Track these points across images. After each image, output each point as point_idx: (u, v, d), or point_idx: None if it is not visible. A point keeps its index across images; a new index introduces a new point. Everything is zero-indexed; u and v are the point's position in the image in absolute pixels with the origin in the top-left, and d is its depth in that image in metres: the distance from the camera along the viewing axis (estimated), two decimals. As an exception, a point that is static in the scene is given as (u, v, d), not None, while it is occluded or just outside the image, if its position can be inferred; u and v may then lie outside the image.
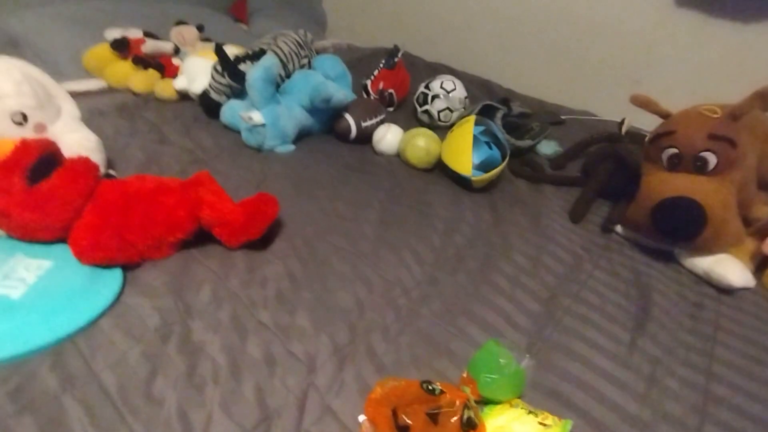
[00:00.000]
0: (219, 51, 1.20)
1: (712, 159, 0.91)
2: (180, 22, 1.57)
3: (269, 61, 1.17)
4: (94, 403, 0.56)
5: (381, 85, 1.51)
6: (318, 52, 1.53)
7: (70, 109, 0.96)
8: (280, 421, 0.57)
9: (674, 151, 0.95)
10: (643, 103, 1.03)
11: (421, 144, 1.19)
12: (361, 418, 0.57)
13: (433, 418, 0.54)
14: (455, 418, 0.54)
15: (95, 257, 0.73)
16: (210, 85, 1.25)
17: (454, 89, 1.44)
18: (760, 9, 1.40)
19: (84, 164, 0.80)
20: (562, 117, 1.63)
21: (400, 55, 1.55)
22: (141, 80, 1.34)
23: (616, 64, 1.71)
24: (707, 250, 0.95)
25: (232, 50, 1.29)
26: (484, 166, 1.11)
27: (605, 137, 1.35)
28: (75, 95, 1.00)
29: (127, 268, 0.76)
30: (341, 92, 1.22)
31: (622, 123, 1.42)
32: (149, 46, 1.40)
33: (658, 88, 1.35)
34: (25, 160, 0.74)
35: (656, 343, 0.77)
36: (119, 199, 0.78)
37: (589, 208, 1.13)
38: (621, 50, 1.68)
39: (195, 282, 0.75)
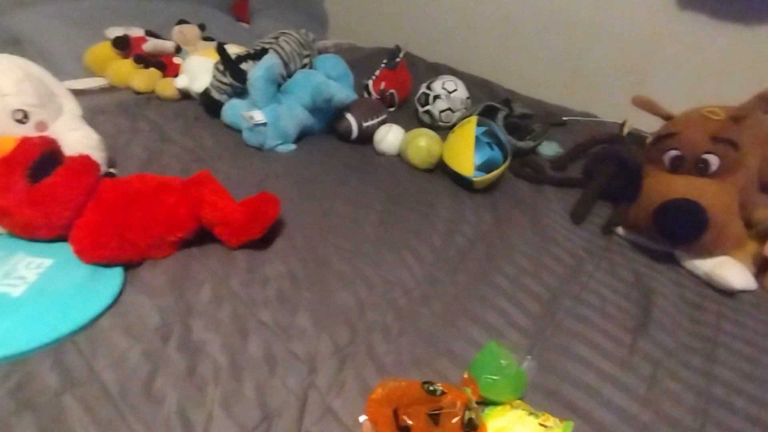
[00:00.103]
0: (221, 50, 1.20)
1: (714, 161, 0.91)
2: (181, 21, 1.57)
3: (271, 60, 1.17)
4: (95, 402, 0.56)
5: (382, 85, 1.51)
6: (319, 52, 1.53)
7: (71, 108, 0.96)
8: (281, 420, 0.57)
9: (676, 152, 0.95)
10: (645, 104, 1.03)
11: (423, 144, 1.19)
12: (362, 418, 0.57)
13: (434, 418, 0.54)
14: (456, 419, 0.54)
15: (96, 256, 0.73)
16: (211, 84, 1.25)
17: (456, 90, 1.44)
18: (762, 11, 1.40)
19: (85, 163, 0.80)
20: (564, 118, 1.63)
21: (401, 55, 1.55)
22: (142, 79, 1.34)
23: (618, 65, 1.71)
24: (708, 252, 0.94)
25: (233, 49, 1.29)
26: (485, 167, 1.11)
27: (607, 139, 1.35)
28: (76, 93, 1.01)
29: (127, 266, 0.76)
30: (343, 92, 1.22)
31: (623, 124, 1.41)
32: (150, 44, 1.40)
33: (660, 90, 1.35)
34: (27, 158, 0.74)
35: (657, 345, 0.77)
36: (120, 197, 0.78)
37: (590, 209, 1.13)
38: (623, 52, 1.68)
39: (196, 281, 0.75)
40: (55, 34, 1.45)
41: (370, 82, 1.52)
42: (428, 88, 1.45)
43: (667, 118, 1.02)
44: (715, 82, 1.52)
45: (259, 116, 1.13)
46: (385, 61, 1.55)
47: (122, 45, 1.37)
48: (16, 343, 0.60)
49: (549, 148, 1.38)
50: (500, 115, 1.33)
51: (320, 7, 2.50)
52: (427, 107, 1.44)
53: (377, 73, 1.53)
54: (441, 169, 1.21)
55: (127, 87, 1.36)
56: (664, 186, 0.95)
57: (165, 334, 0.65)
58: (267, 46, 1.31)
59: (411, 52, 1.98)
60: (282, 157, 1.16)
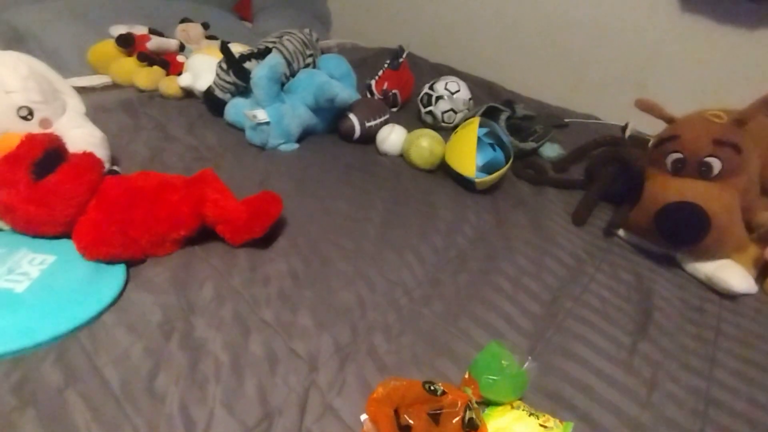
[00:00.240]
0: (224, 49, 1.21)
1: (716, 164, 0.91)
2: (185, 20, 1.58)
3: (274, 59, 1.17)
4: (97, 398, 0.56)
5: (385, 86, 1.51)
6: (323, 52, 1.54)
7: (75, 105, 0.96)
8: (282, 419, 0.57)
9: (678, 155, 0.95)
10: (647, 107, 1.03)
11: (425, 145, 1.19)
12: (363, 417, 0.57)
13: (435, 418, 0.55)
14: (457, 419, 0.55)
15: (99, 253, 0.73)
16: (215, 83, 1.25)
17: (458, 91, 1.44)
18: (765, 14, 1.40)
19: (89, 160, 0.80)
20: (566, 120, 1.63)
21: (404, 55, 1.55)
22: (145, 77, 1.35)
23: (621, 68, 1.71)
24: (710, 255, 0.95)
25: (237, 48, 1.29)
26: (487, 168, 1.11)
27: (609, 141, 1.36)
28: (79, 91, 1.01)
29: (130, 264, 0.76)
30: (346, 92, 1.22)
31: (625, 127, 1.41)
32: (154, 42, 1.40)
33: (662, 93, 1.36)
34: (31, 154, 0.74)
35: (657, 347, 0.77)
36: (123, 195, 0.78)
37: (592, 211, 1.13)
38: (625, 54, 1.68)
39: (198, 279, 0.75)
40: (59, 31, 1.45)
41: (373, 83, 1.53)
42: (431, 88, 1.45)
43: (670, 120, 1.02)
44: (718, 86, 1.52)
45: (262, 115, 1.13)
46: (388, 61, 1.55)
47: (126, 43, 1.37)
48: (19, 340, 0.60)
49: (551, 150, 1.39)
50: (503, 117, 1.33)
51: (323, 6, 2.50)
52: (430, 108, 1.44)
53: (380, 73, 1.53)
54: (443, 169, 1.21)
55: (131, 85, 1.37)
56: (666, 189, 0.95)
57: (167, 331, 0.66)
58: (270, 45, 1.31)
59: (414, 53, 1.98)
60: (285, 156, 1.17)
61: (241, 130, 1.22)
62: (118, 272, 0.73)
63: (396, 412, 0.55)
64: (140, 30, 1.46)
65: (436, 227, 0.98)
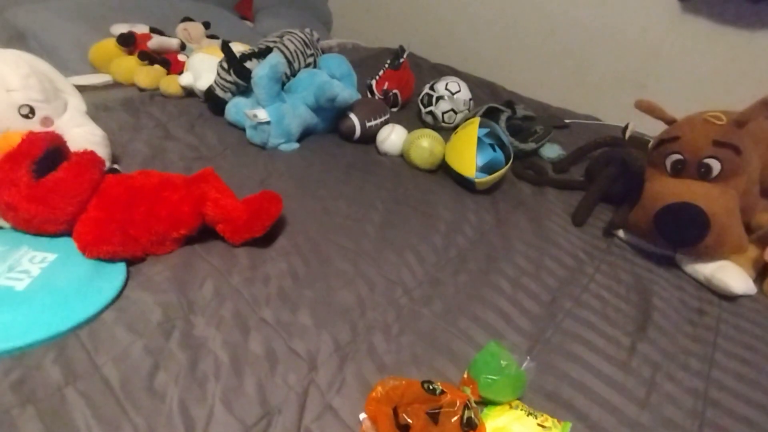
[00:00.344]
0: (225, 48, 1.21)
1: (716, 165, 0.91)
2: (186, 19, 1.58)
3: (275, 59, 1.17)
4: (97, 396, 0.56)
5: (386, 86, 1.51)
6: (323, 52, 1.54)
7: (76, 104, 0.96)
8: (281, 417, 0.57)
9: (678, 156, 0.95)
10: (647, 108, 1.03)
11: (425, 145, 1.19)
12: (362, 416, 0.57)
13: (434, 417, 0.55)
14: (455, 418, 0.55)
15: (99, 251, 0.73)
16: (215, 82, 1.26)
17: (459, 91, 1.44)
18: (765, 16, 1.40)
19: (90, 158, 0.80)
20: (566, 121, 1.64)
21: (405, 55, 1.55)
22: (146, 76, 1.35)
23: (621, 69, 1.71)
24: (709, 256, 0.95)
25: (238, 47, 1.29)
26: (487, 168, 1.11)
27: (609, 142, 1.36)
28: (80, 89, 1.01)
29: (130, 262, 0.76)
30: (346, 91, 1.22)
31: (625, 128, 1.42)
32: (155, 41, 1.40)
33: (662, 94, 1.35)
34: (32, 153, 0.75)
35: (656, 348, 0.77)
36: (124, 193, 0.78)
37: (592, 211, 1.13)
38: (626, 55, 1.68)
39: (198, 278, 0.76)
40: (60, 30, 1.45)
41: (374, 82, 1.53)
42: (431, 88, 1.45)
43: (670, 122, 1.02)
44: (718, 87, 1.52)
45: (262, 115, 1.14)
46: (388, 61, 1.55)
47: (127, 42, 1.37)
48: (19, 337, 0.60)
49: (551, 151, 1.39)
50: (503, 117, 1.33)
51: (324, 6, 2.50)
52: (430, 108, 1.45)
53: (381, 73, 1.53)
54: (443, 169, 1.22)
55: (132, 84, 1.37)
56: (666, 189, 0.95)
57: (167, 329, 0.66)
58: (271, 44, 1.32)
59: (415, 53, 1.98)
60: (285, 155, 1.17)
61: (242, 129, 1.22)
62: (118, 271, 0.73)
63: (395, 411, 0.55)
64: (141, 29, 1.46)
65: (436, 227, 0.98)
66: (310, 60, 1.38)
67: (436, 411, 0.55)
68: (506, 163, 1.14)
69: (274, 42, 1.33)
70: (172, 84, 1.34)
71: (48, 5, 1.50)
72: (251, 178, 1.04)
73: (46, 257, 0.72)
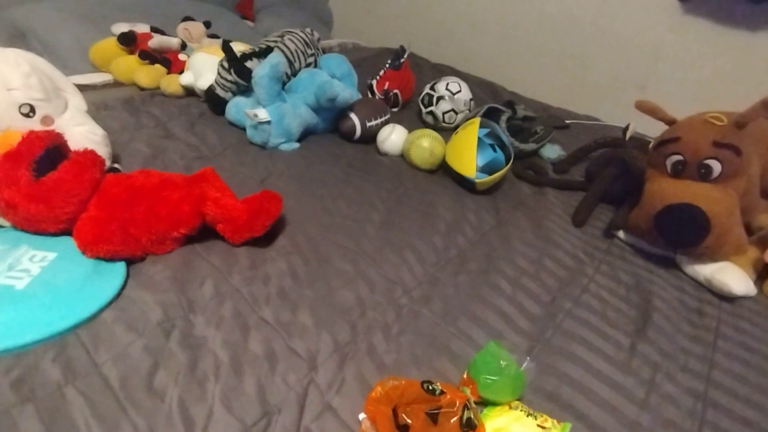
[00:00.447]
0: (226, 47, 1.21)
1: (716, 166, 0.91)
2: (187, 18, 1.58)
3: (276, 58, 1.17)
4: (96, 395, 0.56)
5: (386, 86, 1.51)
6: (324, 51, 1.54)
7: (77, 103, 0.96)
8: (281, 417, 0.57)
9: (679, 157, 0.95)
10: (648, 109, 1.03)
11: (425, 145, 1.19)
12: (362, 416, 0.57)
13: (433, 418, 0.55)
14: (455, 419, 0.55)
15: (99, 250, 0.73)
16: (216, 82, 1.26)
17: (460, 91, 1.44)
18: (766, 16, 1.40)
19: (90, 157, 0.80)
20: (567, 121, 1.63)
21: (405, 55, 1.55)
22: (147, 75, 1.35)
23: (622, 69, 1.71)
24: (709, 257, 0.95)
25: (239, 47, 1.29)
26: (487, 169, 1.11)
27: (609, 142, 1.36)
28: (81, 89, 1.01)
29: (130, 261, 0.76)
30: (347, 91, 1.22)
31: (626, 129, 1.42)
32: (156, 41, 1.41)
33: (663, 95, 1.36)
34: (32, 152, 0.75)
35: (656, 349, 0.77)
36: (124, 193, 0.79)
37: (592, 212, 1.13)
38: (627, 56, 1.68)
39: (198, 277, 0.76)
40: (61, 28, 1.45)
41: (374, 82, 1.53)
42: (432, 89, 1.45)
43: (670, 122, 1.02)
44: (719, 87, 1.52)
45: (263, 114, 1.14)
46: (389, 61, 1.55)
47: (128, 41, 1.37)
48: (19, 336, 0.60)
49: (551, 151, 1.39)
50: (503, 117, 1.33)
51: (325, 6, 2.50)
52: (431, 108, 1.45)
53: (381, 73, 1.53)
54: (443, 170, 1.22)
55: (132, 83, 1.37)
56: (666, 190, 0.95)
57: (167, 329, 0.66)
58: (272, 44, 1.32)
59: (415, 53, 1.98)
60: (285, 155, 1.17)
61: (242, 129, 1.22)
62: (118, 270, 0.73)
63: (394, 411, 0.55)
64: (142, 28, 1.47)
65: (436, 227, 0.98)
66: (311, 60, 1.38)
67: (436, 411, 0.55)
68: (506, 164, 1.14)
69: (275, 41, 1.33)
70: (173, 83, 1.34)
71: (49, 4, 1.50)
72: (251, 178, 1.04)
73: (46, 256, 0.72)
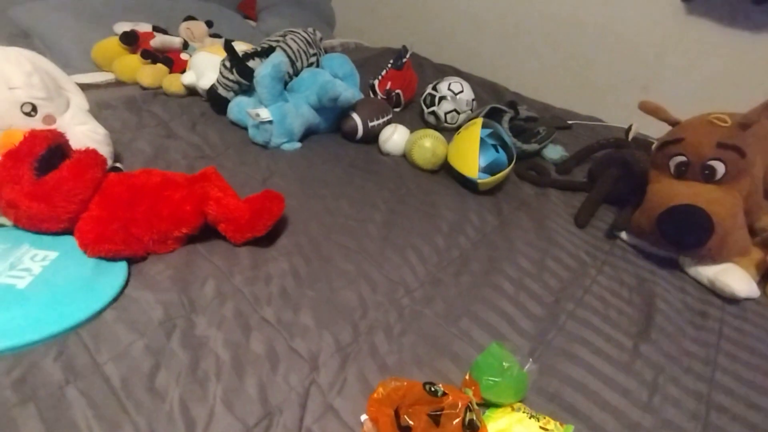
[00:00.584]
0: (228, 47, 1.21)
1: (720, 168, 0.91)
2: (189, 18, 1.58)
3: (278, 58, 1.17)
4: (98, 395, 0.56)
5: (388, 86, 1.51)
6: (326, 51, 1.54)
7: (78, 102, 0.96)
8: (282, 418, 0.57)
9: (682, 158, 0.95)
10: (651, 110, 1.03)
11: (428, 145, 1.19)
12: (363, 417, 0.57)
13: (435, 419, 0.54)
14: (457, 420, 0.54)
15: (101, 250, 0.73)
16: (218, 81, 1.25)
17: (462, 91, 1.44)
18: (770, 18, 1.39)
19: (92, 157, 0.80)
20: (569, 122, 1.63)
21: (408, 55, 1.55)
22: (149, 74, 1.35)
23: (625, 70, 1.70)
24: (712, 258, 0.94)
25: (241, 47, 1.29)
26: (490, 169, 1.11)
27: (612, 143, 1.35)
28: (83, 88, 1.01)
29: (132, 261, 0.76)
30: (349, 91, 1.22)
31: (629, 129, 1.41)
32: (158, 40, 1.40)
33: (666, 96, 1.35)
34: (34, 151, 0.74)
35: (659, 351, 0.77)
36: (126, 192, 0.78)
37: (595, 213, 1.13)
38: (630, 56, 1.68)
39: (199, 277, 0.75)
40: (63, 28, 1.45)
41: (376, 82, 1.52)
42: (434, 89, 1.45)
43: (674, 123, 1.02)
44: (722, 88, 1.52)
45: (265, 114, 1.14)
46: (391, 61, 1.55)
47: (130, 40, 1.37)
48: (21, 335, 0.60)
49: (554, 152, 1.38)
50: (506, 118, 1.33)
51: (327, 6, 2.50)
52: (433, 108, 1.44)
53: (383, 73, 1.53)
54: (445, 170, 1.21)
55: (134, 82, 1.37)
56: (669, 191, 0.95)
57: (168, 329, 0.65)
58: (274, 44, 1.32)
59: (418, 53, 1.98)
60: (287, 155, 1.17)
61: (244, 128, 1.22)
62: (119, 269, 0.73)
63: (396, 412, 0.55)
64: (144, 27, 1.46)
65: (439, 228, 0.98)
66: (313, 59, 1.38)
67: (438, 413, 0.55)
68: (509, 164, 1.13)
69: (277, 41, 1.33)
70: (175, 83, 1.34)
71: (51, 3, 1.50)
72: (253, 178, 1.04)
73: (47, 255, 0.72)
